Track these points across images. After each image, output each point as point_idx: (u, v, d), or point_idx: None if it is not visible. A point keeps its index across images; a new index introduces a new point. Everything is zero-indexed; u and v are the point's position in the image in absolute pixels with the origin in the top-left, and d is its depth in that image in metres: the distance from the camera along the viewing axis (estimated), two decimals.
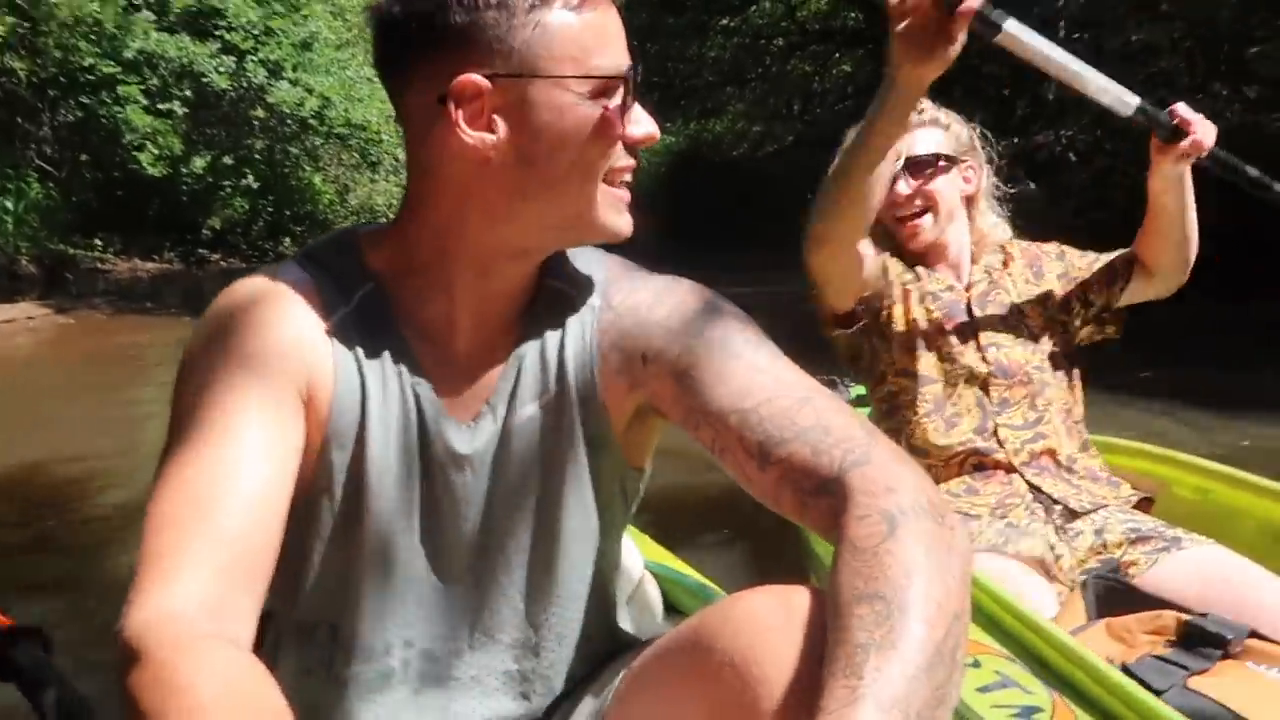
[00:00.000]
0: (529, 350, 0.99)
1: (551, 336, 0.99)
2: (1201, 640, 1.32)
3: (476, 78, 0.87)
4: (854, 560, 0.77)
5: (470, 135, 0.88)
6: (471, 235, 0.93)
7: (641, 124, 0.92)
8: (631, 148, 0.92)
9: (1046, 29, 4.34)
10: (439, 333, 0.98)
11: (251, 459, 0.85)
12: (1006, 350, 1.85)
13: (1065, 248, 1.99)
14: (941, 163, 1.87)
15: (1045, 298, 1.91)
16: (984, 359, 1.83)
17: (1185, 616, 1.39)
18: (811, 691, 0.72)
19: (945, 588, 0.75)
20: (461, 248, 0.94)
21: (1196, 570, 1.56)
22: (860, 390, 2.88)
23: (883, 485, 0.81)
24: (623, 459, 1.02)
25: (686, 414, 0.94)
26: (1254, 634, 1.35)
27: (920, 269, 1.91)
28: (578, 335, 0.99)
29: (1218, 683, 1.26)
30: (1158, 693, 1.23)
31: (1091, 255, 1.95)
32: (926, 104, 1.87)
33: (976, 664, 1.26)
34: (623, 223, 0.94)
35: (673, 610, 1.35)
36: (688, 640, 0.87)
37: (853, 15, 16.08)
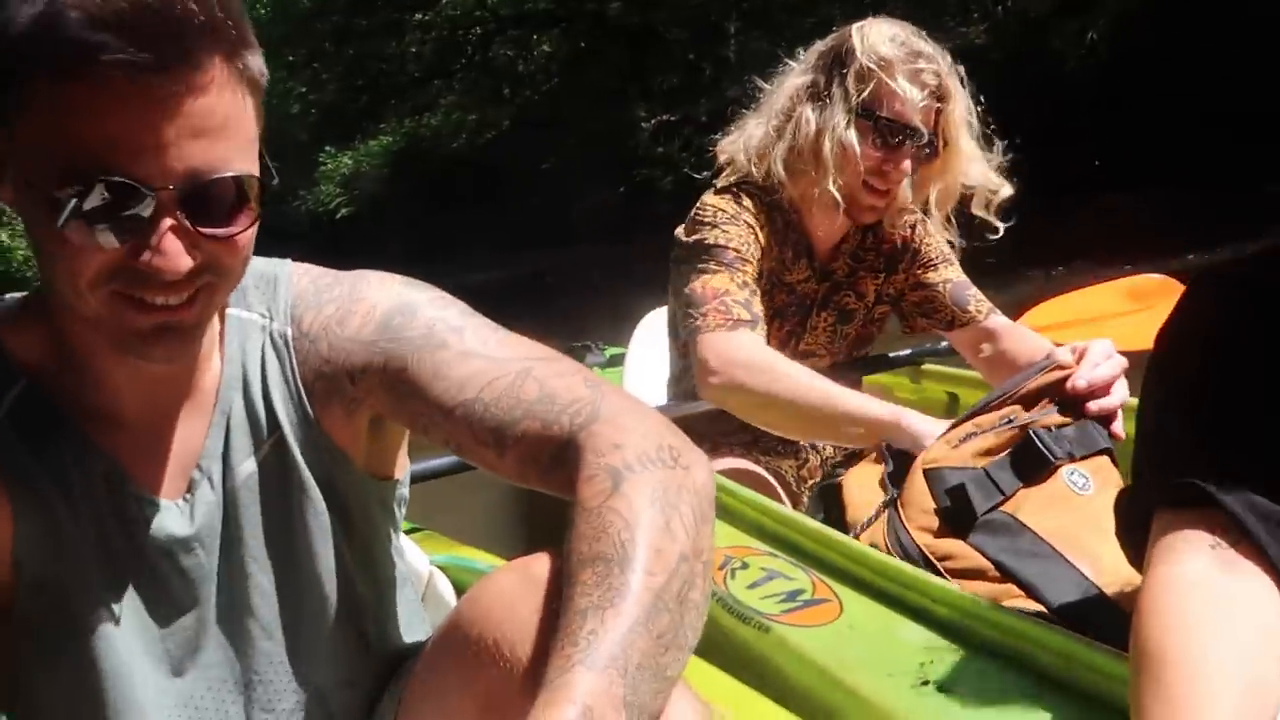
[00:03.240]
0: (234, 400, 0.89)
1: (253, 378, 0.89)
2: (1028, 457, 1.38)
3: None
4: (581, 523, 0.75)
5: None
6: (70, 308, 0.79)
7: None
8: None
9: None
10: (116, 417, 0.85)
11: None
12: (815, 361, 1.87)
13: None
14: (940, 149, 1.73)
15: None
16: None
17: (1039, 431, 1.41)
18: None
19: (670, 533, 0.74)
20: (88, 329, 0.80)
21: None
22: (615, 350, 2.90)
23: (610, 441, 0.79)
24: (367, 478, 0.94)
25: (413, 420, 0.88)
26: (1105, 451, 1.41)
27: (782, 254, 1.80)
28: (278, 372, 0.90)
29: (1031, 496, 1.34)
30: (974, 515, 1.33)
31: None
32: (938, 65, 1.69)
33: (745, 565, 1.36)
34: (143, 351, 0.78)
35: None
36: (449, 635, 0.84)
37: None
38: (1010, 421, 1.44)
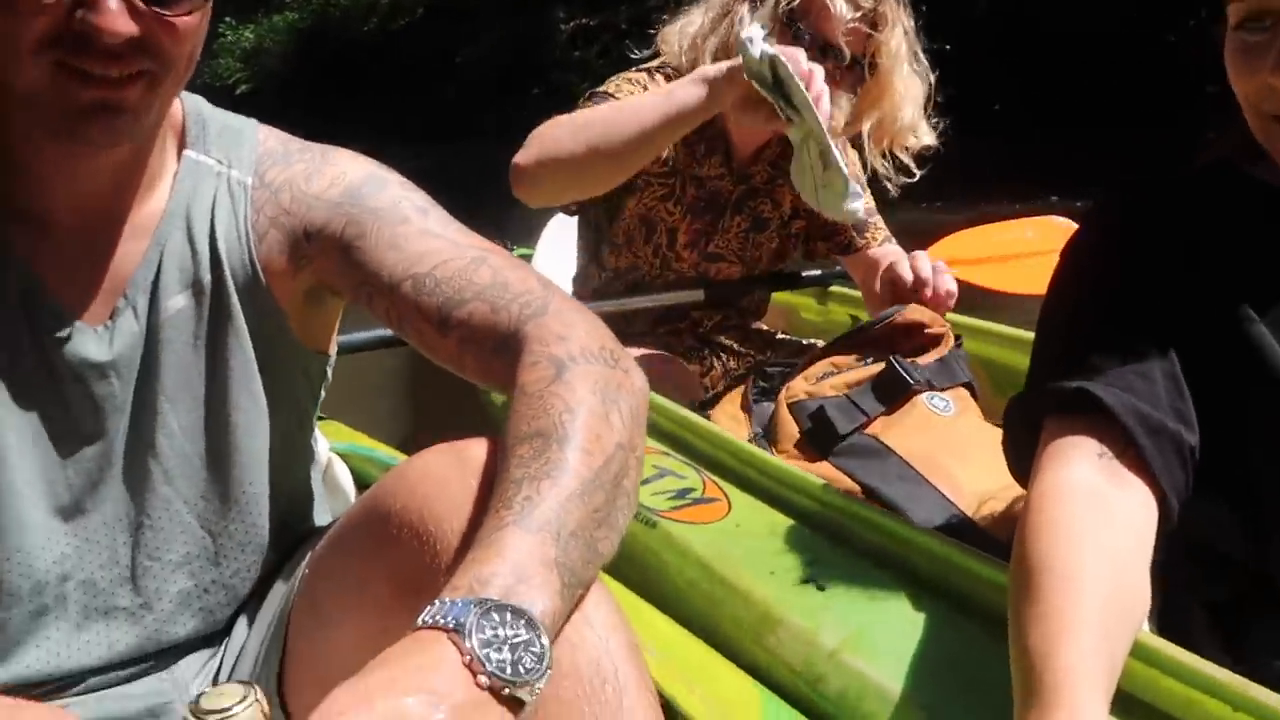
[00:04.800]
0: (173, 234, 0.85)
1: (199, 218, 0.85)
2: (890, 382, 1.42)
3: None
4: (521, 405, 0.75)
5: None
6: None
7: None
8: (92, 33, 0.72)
9: None
10: (44, 221, 0.81)
11: None
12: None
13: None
14: (865, 75, 1.66)
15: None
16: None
17: (898, 360, 1.46)
18: None
19: (608, 422, 0.74)
20: (22, 110, 0.76)
21: None
22: (524, 251, 2.85)
23: (555, 334, 0.79)
24: (299, 344, 0.92)
25: (358, 286, 0.86)
26: (967, 385, 1.47)
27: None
28: (229, 215, 0.86)
29: (893, 422, 1.38)
30: (841, 436, 1.36)
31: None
32: None
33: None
34: (81, 129, 0.74)
35: (365, 488, 1.28)
36: (367, 512, 0.82)
37: None
38: (868, 361, 1.47)
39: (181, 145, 0.87)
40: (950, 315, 2.04)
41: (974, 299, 2.32)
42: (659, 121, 1.44)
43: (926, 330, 1.53)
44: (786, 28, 1.64)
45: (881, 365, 1.45)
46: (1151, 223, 0.93)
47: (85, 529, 0.85)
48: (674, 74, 1.72)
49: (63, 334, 0.82)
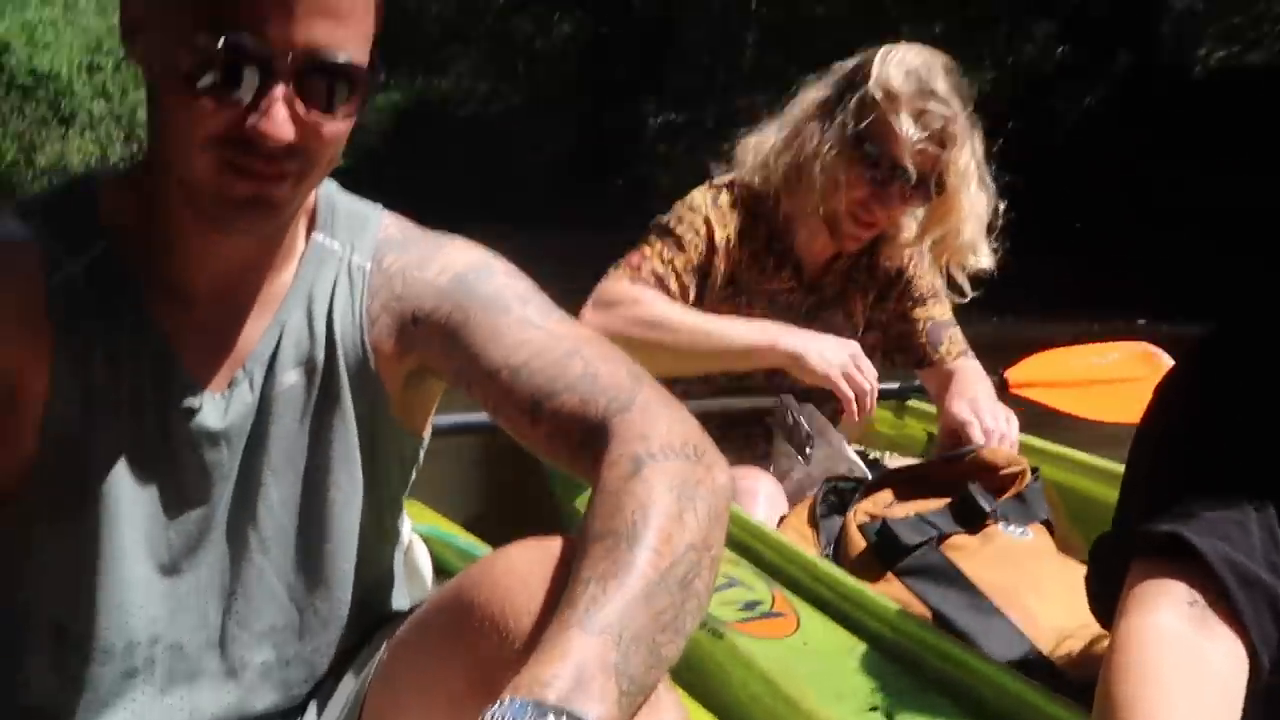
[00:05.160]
0: (293, 313, 0.90)
1: (319, 299, 0.90)
2: (965, 509, 1.40)
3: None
4: (597, 503, 0.76)
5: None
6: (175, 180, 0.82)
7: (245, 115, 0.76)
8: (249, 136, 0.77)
9: None
10: (184, 294, 0.86)
11: None
12: None
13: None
14: (933, 193, 1.68)
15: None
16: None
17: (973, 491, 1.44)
18: None
19: (681, 521, 0.74)
20: (181, 194, 0.82)
21: None
22: None
23: (638, 430, 0.80)
24: (399, 427, 0.95)
25: (459, 373, 0.89)
26: (1045, 523, 1.44)
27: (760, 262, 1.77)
28: (346, 298, 0.91)
29: (968, 547, 1.35)
30: (908, 549, 1.33)
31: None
32: (949, 110, 1.62)
33: None
34: (234, 217, 0.80)
35: (443, 573, 1.30)
36: (449, 602, 0.83)
37: None
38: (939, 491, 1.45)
39: (311, 228, 0.92)
40: (1028, 438, 2.01)
41: (1054, 423, 2.28)
42: (716, 363, 1.58)
43: (1002, 472, 1.49)
44: (856, 150, 1.66)
45: (950, 499, 1.42)
46: (1252, 366, 0.91)
47: (179, 592, 0.88)
48: (743, 191, 1.76)
49: (185, 401, 0.86)
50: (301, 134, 0.78)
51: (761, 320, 1.63)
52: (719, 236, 1.73)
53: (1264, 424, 0.88)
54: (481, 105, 16.04)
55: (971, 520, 1.38)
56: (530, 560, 0.79)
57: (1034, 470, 1.52)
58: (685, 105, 12.22)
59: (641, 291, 1.62)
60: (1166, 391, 0.95)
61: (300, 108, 0.77)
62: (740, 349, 1.56)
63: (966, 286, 1.79)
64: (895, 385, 2.21)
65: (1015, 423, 1.68)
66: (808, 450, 1.71)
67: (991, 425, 1.65)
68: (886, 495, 1.48)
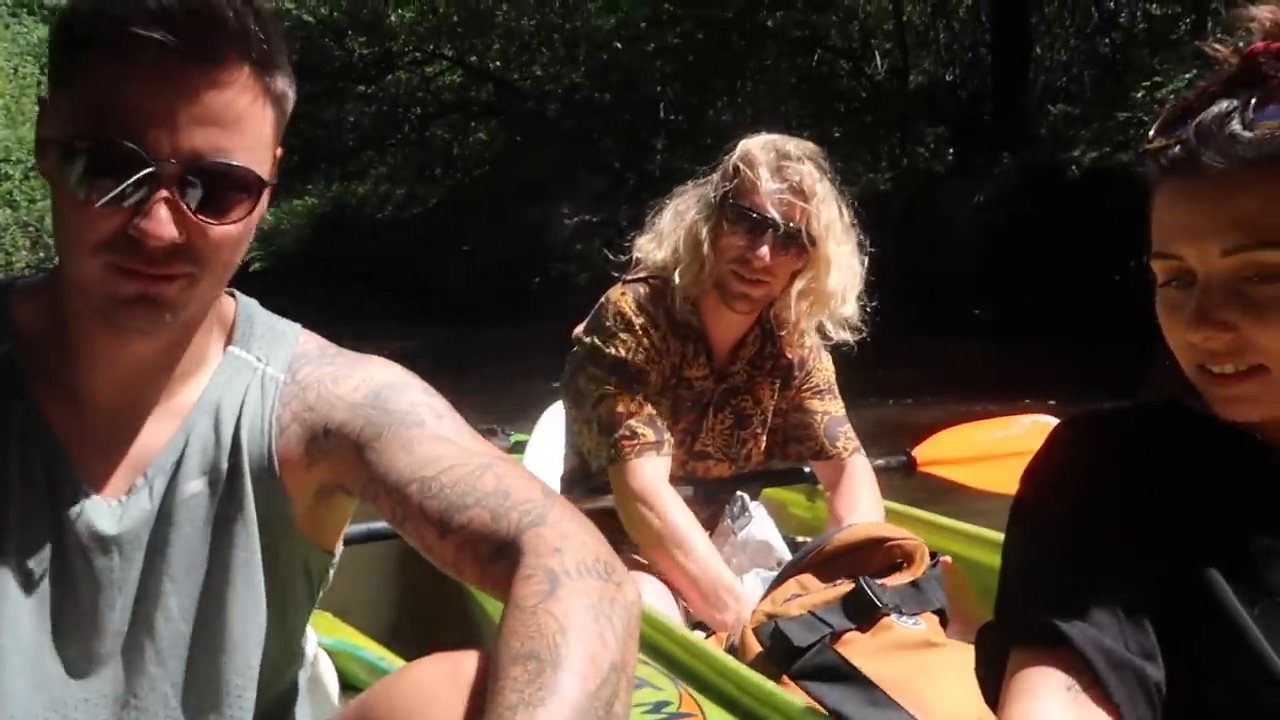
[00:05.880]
0: (200, 421, 0.89)
1: (228, 408, 0.90)
2: (858, 604, 1.41)
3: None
4: (514, 621, 0.75)
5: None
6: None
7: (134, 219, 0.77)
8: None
9: None
10: (84, 400, 0.86)
11: None
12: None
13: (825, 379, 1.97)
14: (806, 244, 1.76)
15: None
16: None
17: (866, 583, 1.44)
18: None
19: (603, 641, 0.74)
20: (79, 299, 0.83)
21: None
22: (520, 437, 2.89)
23: (551, 545, 0.81)
24: (305, 540, 0.94)
25: (366, 484, 0.89)
26: (938, 612, 1.45)
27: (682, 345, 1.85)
28: (256, 407, 0.91)
29: (860, 642, 1.36)
30: (800, 651, 1.33)
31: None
32: (804, 168, 1.75)
33: None
34: (122, 318, 0.81)
35: (350, 688, 1.26)
36: (360, 716, 0.81)
37: (485, 89, 16.46)
38: (838, 582, 1.46)
39: (228, 341, 0.93)
40: (935, 518, 2.06)
41: (962, 499, 2.34)
42: (684, 591, 1.69)
43: (893, 545, 1.52)
44: (725, 210, 1.77)
45: (850, 586, 1.43)
46: (1107, 455, 0.95)
47: (67, 704, 0.85)
48: (658, 285, 1.85)
49: (76, 505, 0.85)
50: (186, 235, 0.79)
51: (716, 578, 1.68)
52: (656, 337, 1.82)
53: (1115, 510, 0.92)
54: (399, 208, 16.12)
55: (864, 615, 1.39)
56: (437, 677, 0.78)
57: (933, 555, 1.55)
58: (599, 207, 12.49)
59: (658, 493, 1.73)
60: (1029, 480, 0.99)
61: (187, 211, 0.78)
62: (696, 594, 1.67)
63: (835, 332, 1.88)
64: (807, 469, 2.19)
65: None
66: (740, 534, 1.82)
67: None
68: (790, 587, 1.49)
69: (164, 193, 0.77)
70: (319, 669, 1.20)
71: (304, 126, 15.80)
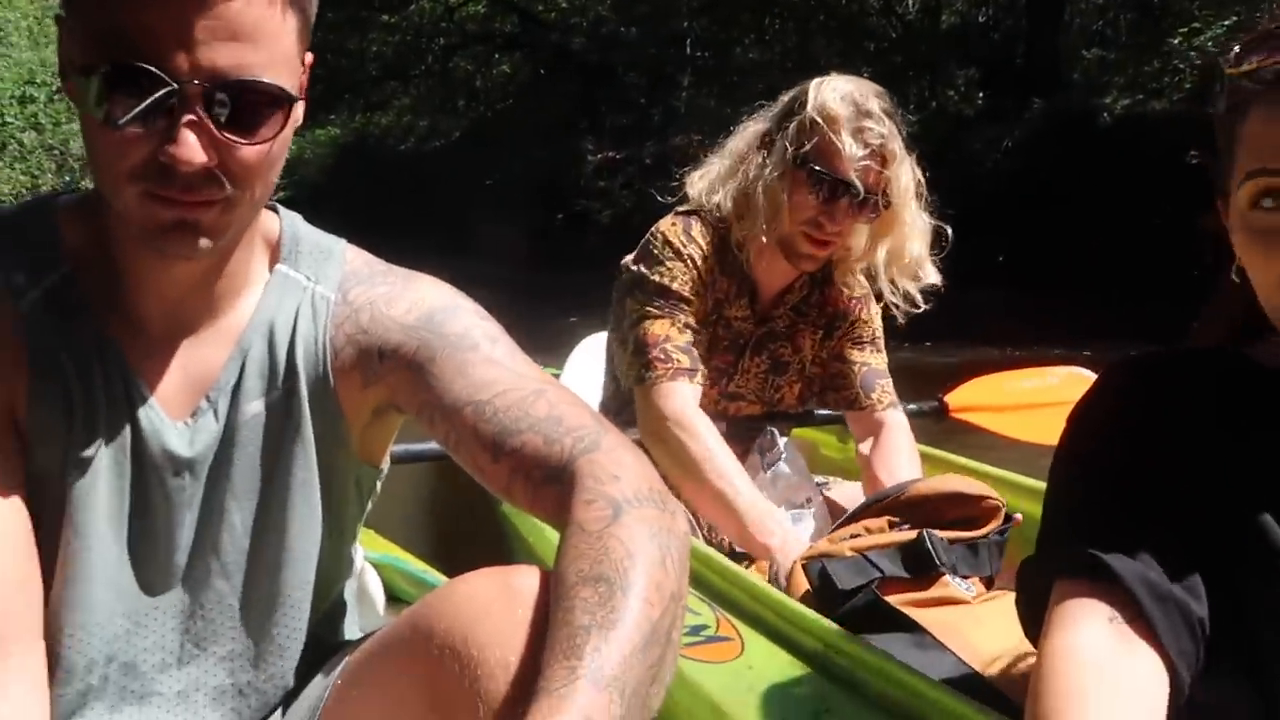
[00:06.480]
0: (255, 342, 0.89)
1: (281, 328, 0.89)
2: (916, 555, 1.37)
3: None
4: (580, 543, 0.75)
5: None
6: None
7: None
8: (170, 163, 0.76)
9: None
10: (139, 323, 0.86)
11: None
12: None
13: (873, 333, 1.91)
14: (881, 208, 1.70)
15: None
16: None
17: (933, 535, 1.40)
18: (533, 672, 0.70)
19: (665, 570, 0.75)
20: (119, 220, 0.82)
21: None
22: (553, 370, 2.90)
23: (609, 472, 0.81)
24: (358, 458, 0.94)
25: (422, 408, 0.89)
26: (989, 579, 1.40)
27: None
28: (309, 328, 0.90)
29: (909, 593, 1.33)
30: (845, 595, 1.31)
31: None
32: (885, 128, 1.65)
33: None
34: (161, 244, 0.79)
35: (395, 600, 1.29)
36: (407, 629, 0.82)
37: (510, 20, 16.18)
38: (904, 527, 1.42)
39: (275, 259, 0.92)
40: (975, 464, 2.04)
41: (996, 447, 2.33)
42: (736, 523, 1.60)
43: (981, 503, 1.45)
44: (800, 170, 1.69)
45: (913, 535, 1.39)
46: (1159, 398, 0.94)
47: (138, 611, 0.87)
48: (710, 219, 1.79)
49: (151, 428, 0.85)
50: (218, 157, 0.77)
51: (762, 506, 1.63)
52: (704, 269, 1.77)
53: (1165, 452, 0.91)
54: (422, 140, 16.00)
55: (919, 567, 1.36)
56: (492, 590, 0.78)
57: (1007, 516, 1.47)
58: (623, 143, 12.34)
59: (683, 412, 1.67)
60: (1079, 420, 0.98)
61: (214, 131, 0.76)
62: (749, 535, 1.60)
63: (919, 298, 1.82)
64: (825, 413, 2.20)
65: None
66: (769, 469, 1.80)
67: None
68: (845, 530, 1.45)
69: (190, 115, 0.75)
70: (365, 579, 1.22)
71: (328, 55, 15.65)
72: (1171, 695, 0.82)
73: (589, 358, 2.46)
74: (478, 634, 0.75)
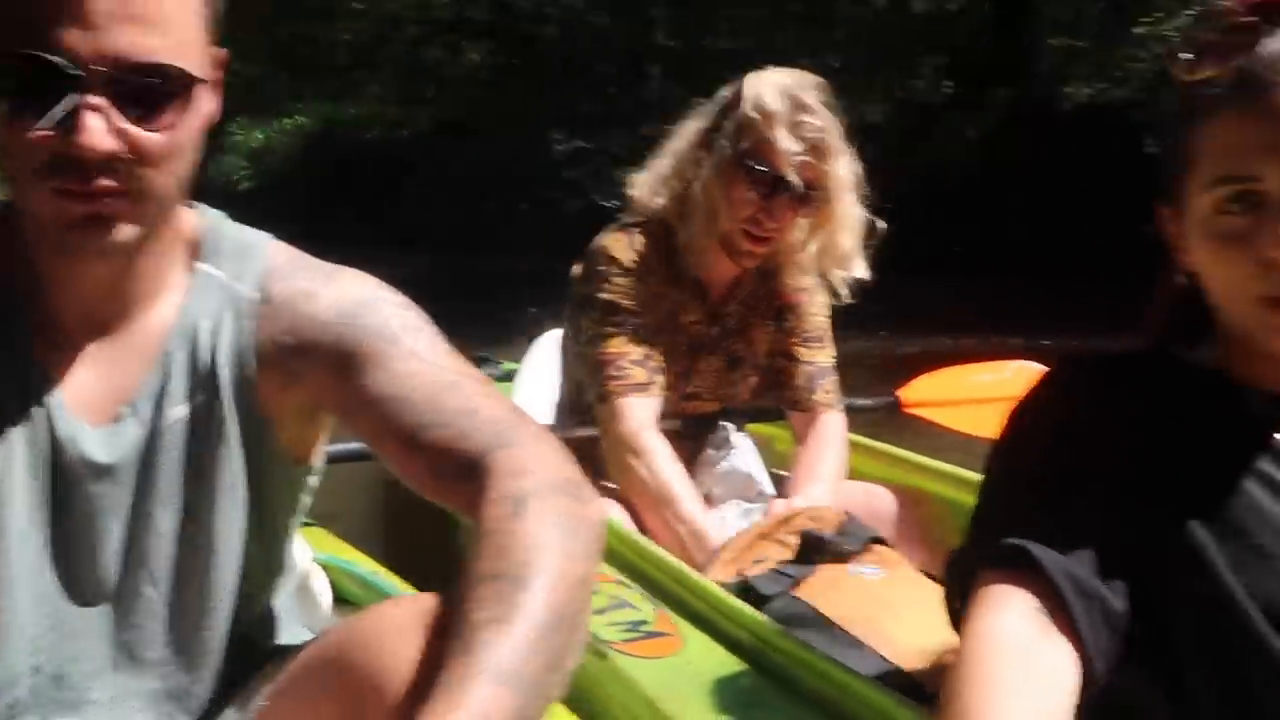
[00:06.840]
0: (177, 346, 0.89)
1: (203, 330, 0.89)
2: (814, 550, 1.44)
3: None
4: (481, 543, 0.76)
5: None
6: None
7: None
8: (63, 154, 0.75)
9: None
10: (59, 329, 0.86)
11: None
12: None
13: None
14: (815, 202, 1.72)
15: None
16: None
17: (811, 529, 1.50)
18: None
19: (569, 557, 0.75)
20: (33, 224, 0.81)
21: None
22: (512, 366, 2.90)
23: (519, 467, 0.81)
24: (287, 457, 0.94)
25: (342, 403, 0.89)
26: (876, 540, 1.50)
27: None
28: (232, 329, 0.89)
29: (817, 587, 1.39)
30: (767, 599, 1.36)
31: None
32: (821, 121, 1.68)
33: (595, 590, 1.34)
34: (73, 240, 0.78)
35: (342, 602, 1.29)
36: (324, 655, 0.83)
37: (479, 8, 16.05)
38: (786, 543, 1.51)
39: (195, 258, 0.91)
40: (923, 460, 2.08)
41: (949, 443, 2.35)
42: (668, 542, 1.64)
43: (802, 518, 1.57)
44: (740, 169, 1.70)
45: (796, 538, 1.48)
46: (1093, 398, 0.95)
47: (65, 621, 0.87)
48: (653, 229, 1.80)
49: (68, 435, 0.85)
50: (124, 145, 0.76)
51: (707, 541, 1.65)
52: (653, 283, 1.77)
53: (1100, 453, 0.92)
54: (389, 129, 15.83)
55: (814, 553, 1.42)
56: (403, 616, 0.79)
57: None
58: (592, 134, 12.28)
59: (645, 442, 1.71)
60: (1017, 417, 1.00)
61: (119, 119, 0.75)
62: (680, 545, 1.64)
63: (843, 292, 1.84)
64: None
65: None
66: (721, 465, 1.83)
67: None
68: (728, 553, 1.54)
69: (91, 99, 0.73)
70: (310, 582, 1.22)
71: (297, 44, 15.44)
72: (1084, 688, 0.84)
73: (547, 356, 2.47)
74: (385, 660, 0.76)
